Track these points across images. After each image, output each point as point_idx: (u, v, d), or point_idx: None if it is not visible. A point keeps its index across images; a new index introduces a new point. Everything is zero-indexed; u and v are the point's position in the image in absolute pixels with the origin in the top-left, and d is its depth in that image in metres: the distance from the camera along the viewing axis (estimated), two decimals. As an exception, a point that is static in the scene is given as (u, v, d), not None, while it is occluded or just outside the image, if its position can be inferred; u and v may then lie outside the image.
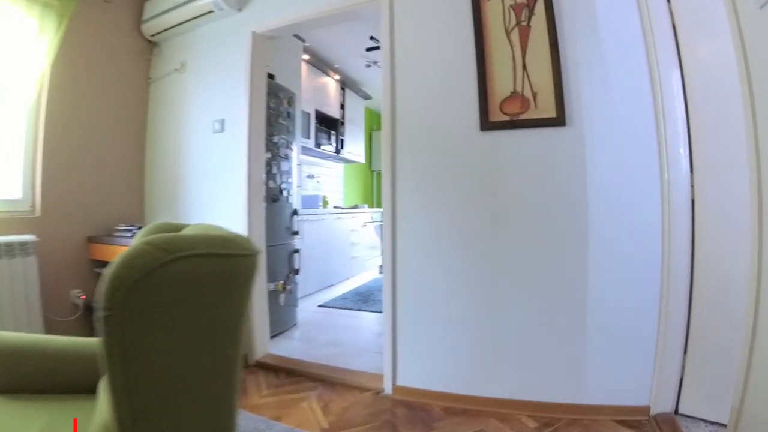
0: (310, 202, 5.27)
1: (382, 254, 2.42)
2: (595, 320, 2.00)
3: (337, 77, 6.08)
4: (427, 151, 2.32)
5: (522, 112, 2.06)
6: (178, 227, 1.63)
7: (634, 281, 1.97)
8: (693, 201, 1.80)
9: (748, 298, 1.22)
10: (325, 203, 5.73)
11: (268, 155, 3.26)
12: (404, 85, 2.37)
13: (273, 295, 3.32)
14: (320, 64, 5.67)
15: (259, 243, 2.98)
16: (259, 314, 2.95)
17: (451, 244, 2.25)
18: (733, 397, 1.32)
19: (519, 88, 2.06)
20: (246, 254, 0.86)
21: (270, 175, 3.30)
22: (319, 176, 6.15)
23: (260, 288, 2.98)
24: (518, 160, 2.12)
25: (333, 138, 5.88)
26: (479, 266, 2.19)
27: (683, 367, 1.90)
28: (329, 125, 5.84)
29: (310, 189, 5.88)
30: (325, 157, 6.05)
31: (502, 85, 2.10)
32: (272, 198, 3.33)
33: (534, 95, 2.04)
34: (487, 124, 2.14)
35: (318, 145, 5.45)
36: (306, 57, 5.26)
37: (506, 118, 2.09)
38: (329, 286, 4.95)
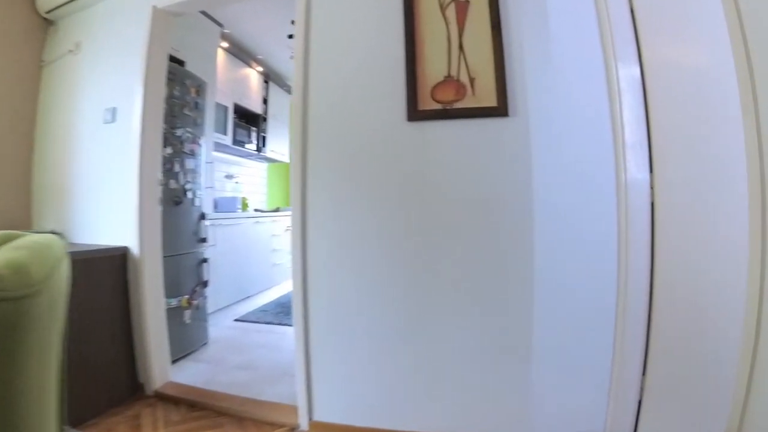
0: (228, 204, 4.81)
1: (292, 266, 2.07)
2: (542, 339, 1.77)
3: (260, 69, 5.63)
4: (344, 144, 2.00)
5: (457, 100, 1.79)
6: (14, 237, 1.24)
7: (587, 293, 1.74)
8: (653, 205, 1.60)
9: (748, 308, 1.04)
10: (245, 206, 5.26)
11: (169, 150, 2.81)
12: (319, 66, 2.04)
13: (176, 313, 2.89)
14: (241, 54, 5.22)
15: (155, 252, 2.54)
16: (156, 336, 2.53)
17: (372, 254, 1.94)
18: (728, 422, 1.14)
19: (454, 72, 1.79)
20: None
21: (171, 174, 2.85)
22: (239, 176, 5.65)
23: (157, 306, 2.55)
24: (452, 155, 1.84)
25: (254, 135, 5.42)
26: (405, 279, 1.90)
27: (642, 387, 1.70)
28: (250, 121, 5.38)
29: (229, 190, 5.39)
30: (246, 155, 5.58)
31: (434, 68, 1.82)
32: (174, 200, 2.87)
33: (471, 81, 1.77)
34: (415, 113, 1.85)
35: (237, 142, 4.98)
36: (225, 45, 4.81)
37: (438, 106, 1.82)
38: (247, 297, 4.51)
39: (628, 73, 1.59)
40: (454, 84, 1.79)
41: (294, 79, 2.06)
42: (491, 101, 1.74)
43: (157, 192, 2.56)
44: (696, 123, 1.40)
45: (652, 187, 1.57)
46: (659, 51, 1.54)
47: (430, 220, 1.86)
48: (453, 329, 1.84)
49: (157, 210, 2.56)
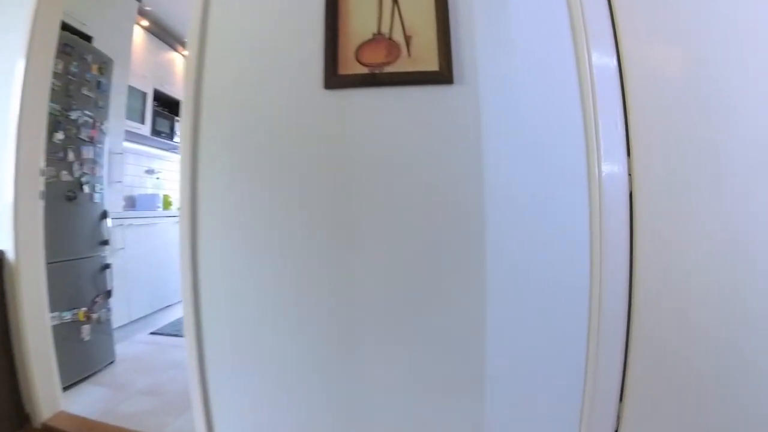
0: (147, 202, 4.32)
1: (180, 276, 1.62)
2: (498, 366, 1.43)
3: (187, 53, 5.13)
4: (245, 120, 1.59)
5: (388, 63, 1.44)
6: None
7: (551, 305, 1.45)
8: (631, 195, 1.36)
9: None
10: (167, 204, 4.75)
11: (61, 136, 2.37)
12: (220, 23, 1.64)
13: (71, 328, 2.46)
14: (165, 36, 4.72)
15: (36, 256, 2.11)
16: (40, 357, 2.09)
17: (280, 260, 1.53)
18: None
19: (386, 29, 1.44)
20: None
21: (63, 164, 2.39)
22: (161, 171, 5.10)
23: (39, 320, 2.11)
24: (381, 132, 1.46)
25: (178, 126, 4.91)
26: (324, 291, 1.51)
27: (619, 416, 1.47)
28: (174, 110, 4.87)
29: (150, 187, 4.85)
30: (170, 148, 5.06)
31: (361, 24, 1.46)
32: (66, 195, 2.42)
33: (407, 39, 1.42)
34: (335, 78, 1.47)
35: (157, 132, 4.47)
36: (145, 24, 4.31)
37: (365, 70, 1.45)
38: (168, 306, 4.02)
39: (597, 27, 1.35)
40: (385, 43, 1.44)
41: (188, 41, 1.68)
42: (432, 65, 1.40)
43: (39, 184, 2.11)
44: (682, 107, 1.21)
45: (630, 174, 1.35)
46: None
47: (353, 217, 1.49)
48: (385, 354, 1.48)
49: (39, 206, 2.11)
